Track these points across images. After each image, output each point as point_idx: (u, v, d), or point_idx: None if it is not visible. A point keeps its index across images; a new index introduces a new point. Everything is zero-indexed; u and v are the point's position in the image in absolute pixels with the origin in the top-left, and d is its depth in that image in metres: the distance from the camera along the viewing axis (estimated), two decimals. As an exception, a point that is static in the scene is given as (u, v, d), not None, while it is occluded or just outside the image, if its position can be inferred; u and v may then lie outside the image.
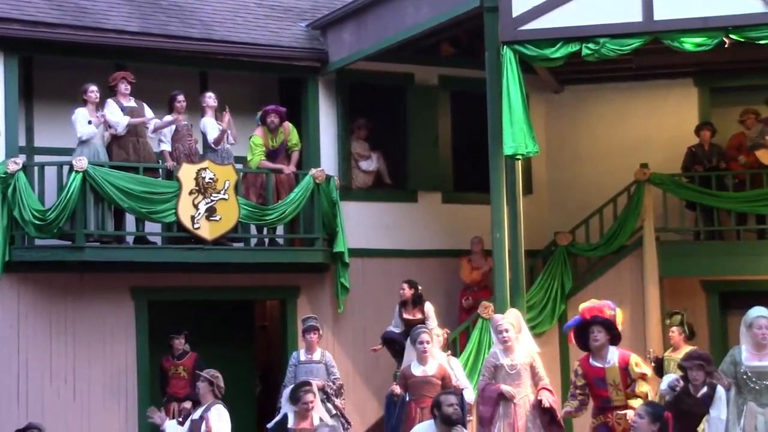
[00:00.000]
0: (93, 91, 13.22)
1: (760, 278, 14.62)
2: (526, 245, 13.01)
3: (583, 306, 10.28)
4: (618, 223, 14.82)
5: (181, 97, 13.74)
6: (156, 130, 13.68)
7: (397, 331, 13.32)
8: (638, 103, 16.21)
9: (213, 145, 13.77)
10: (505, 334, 10.53)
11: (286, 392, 10.79)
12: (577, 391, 10.12)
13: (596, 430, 10.00)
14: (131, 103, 13.53)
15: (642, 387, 9.82)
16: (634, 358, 10.02)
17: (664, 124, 15.97)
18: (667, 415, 8.37)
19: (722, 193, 14.60)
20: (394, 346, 13.19)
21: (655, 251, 14.46)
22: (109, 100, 13.33)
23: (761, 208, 14.47)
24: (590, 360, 10.03)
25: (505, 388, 10.33)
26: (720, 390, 9.05)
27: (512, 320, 10.72)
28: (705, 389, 9.24)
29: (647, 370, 10.10)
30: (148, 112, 13.62)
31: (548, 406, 10.20)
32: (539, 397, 10.31)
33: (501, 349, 10.57)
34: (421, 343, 10.78)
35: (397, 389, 10.76)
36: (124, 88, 13.48)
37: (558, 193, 16.20)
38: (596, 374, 9.96)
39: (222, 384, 10.41)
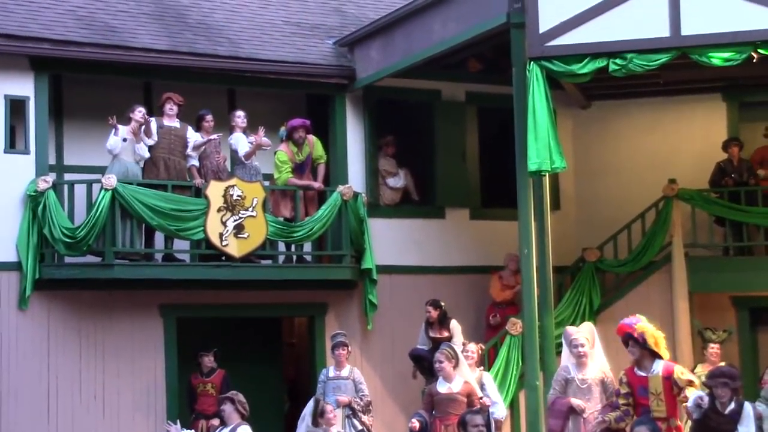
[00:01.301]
0: (141, 111, 13.28)
1: (791, 294, 14.56)
2: (554, 261, 12.98)
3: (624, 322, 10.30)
4: (646, 239, 14.77)
5: (209, 117, 13.82)
6: (196, 148, 13.74)
7: (425, 348, 13.31)
8: (666, 118, 16.16)
9: (243, 159, 13.80)
10: (581, 348, 10.49)
11: (306, 409, 10.80)
12: (621, 401, 10.10)
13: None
14: (175, 123, 13.63)
15: (690, 393, 9.80)
16: (679, 368, 10.09)
17: (693, 139, 15.91)
18: None
19: (751, 208, 14.52)
20: (423, 363, 13.18)
21: (684, 266, 14.40)
22: (152, 119, 13.42)
23: (790, 223, 14.41)
24: (635, 369, 10.09)
25: (575, 401, 10.31)
26: (747, 406, 9.00)
27: (587, 334, 10.67)
28: (732, 406, 9.15)
29: (694, 378, 10.10)
30: (191, 133, 13.70)
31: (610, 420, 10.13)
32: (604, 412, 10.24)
33: (574, 363, 10.51)
34: (435, 362, 10.82)
35: (416, 425, 10.76)
36: (169, 108, 13.59)
37: (586, 208, 16.16)
38: (640, 383, 10.01)
39: (245, 402, 10.43)
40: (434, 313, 13.40)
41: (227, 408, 10.42)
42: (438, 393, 10.86)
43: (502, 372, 13.10)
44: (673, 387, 9.89)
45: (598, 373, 10.45)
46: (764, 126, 15.41)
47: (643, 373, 10.03)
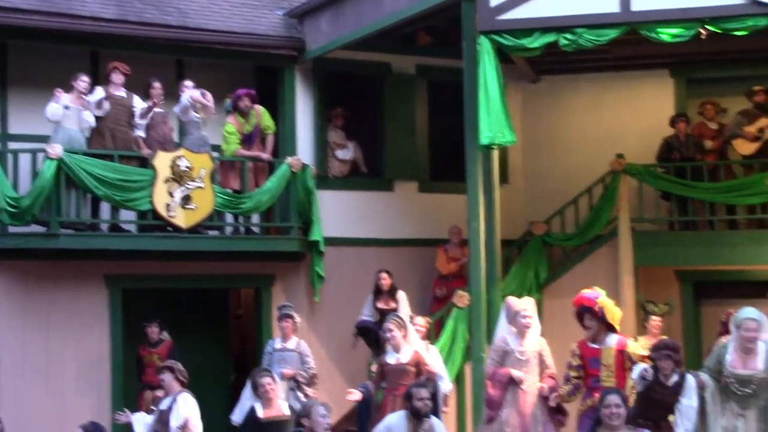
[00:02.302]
0: (84, 80, 13.15)
1: (734, 268, 14.74)
2: (502, 235, 13.08)
3: (581, 294, 10.47)
4: (593, 213, 14.88)
5: (157, 84, 13.69)
6: (142, 115, 13.62)
7: (372, 320, 13.34)
8: (615, 93, 16.25)
9: (190, 105, 13.69)
10: (528, 320, 10.52)
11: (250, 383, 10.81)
12: (572, 374, 10.27)
13: (585, 414, 10.04)
14: (121, 92, 13.49)
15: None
16: (633, 344, 10.37)
17: (640, 115, 16.01)
18: None
19: (697, 184, 14.65)
20: (369, 335, 13.21)
21: (629, 241, 14.51)
22: (98, 88, 13.27)
23: (734, 198, 14.54)
24: (587, 342, 10.27)
25: (515, 373, 10.34)
26: (689, 378, 9.10)
27: (530, 306, 10.73)
28: (675, 378, 9.26)
29: (644, 353, 10.26)
30: (138, 101, 13.57)
31: (547, 393, 10.22)
32: (543, 384, 10.33)
33: (513, 334, 10.54)
34: (384, 331, 10.84)
35: (356, 396, 10.81)
36: (115, 78, 13.45)
37: (534, 182, 16.24)
38: (592, 354, 10.18)
39: (184, 371, 10.42)
40: (389, 281, 13.44)
41: (166, 377, 10.40)
42: (387, 364, 10.88)
43: (449, 344, 13.14)
44: (625, 361, 10.09)
45: (537, 345, 10.51)
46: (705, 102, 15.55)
47: (596, 346, 10.19)
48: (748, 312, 9.14)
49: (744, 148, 14.87)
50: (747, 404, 8.99)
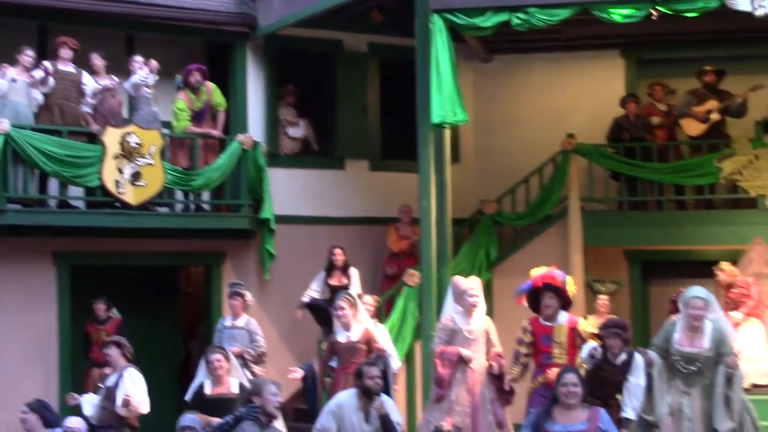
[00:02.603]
0: (29, 54, 12.98)
1: (682, 248, 14.88)
2: (453, 213, 13.10)
3: (535, 272, 10.52)
4: (544, 193, 14.95)
5: (100, 57, 13.53)
6: (94, 95, 13.47)
7: (322, 297, 13.33)
8: (566, 73, 16.31)
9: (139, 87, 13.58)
10: (476, 298, 10.53)
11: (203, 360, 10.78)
12: (522, 350, 10.34)
13: (536, 392, 10.11)
14: (70, 68, 13.33)
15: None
16: (583, 322, 10.54)
17: (591, 95, 16.09)
18: None
19: (646, 164, 14.75)
20: (320, 312, 13.21)
21: (579, 221, 14.60)
22: (41, 66, 13.10)
23: (683, 179, 14.67)
24: (539, 319, 10.35)
25: (464, 351, 10.37)
26: (637, 357, 9.20)
27: (476, 285, 10.75)
28: (623, 356, 9.36)
29: (594, 330, 10.40)
30: (87, 78, 13.42)
31: (498, 372, 10.27)
32: (491, 363, 10.37)
33: (461, 313, 10.56)
34: (335, 309, 10.83)
35: (298, 374, 10.83)
36: (64, 53, 13.28)
37: (486, 161, 16.27)
38: (545, 331, 10.28)
39: (130, 347, 10.37)
40: (343, 257, 13.45)
41: (112, 352, 10.35)
42: (338, 342, 10.88)
43: (399, 323, 13.15)
44: (576, 338, 10.20)
45: (484, 324, 10.54)
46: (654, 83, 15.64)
47: (548, 323, 10.27)
48: (696, 291, 9.24)
49: (692, 128, 14.98)
50: (692, 382, 9.10)
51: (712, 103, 14.91)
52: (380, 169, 15.64)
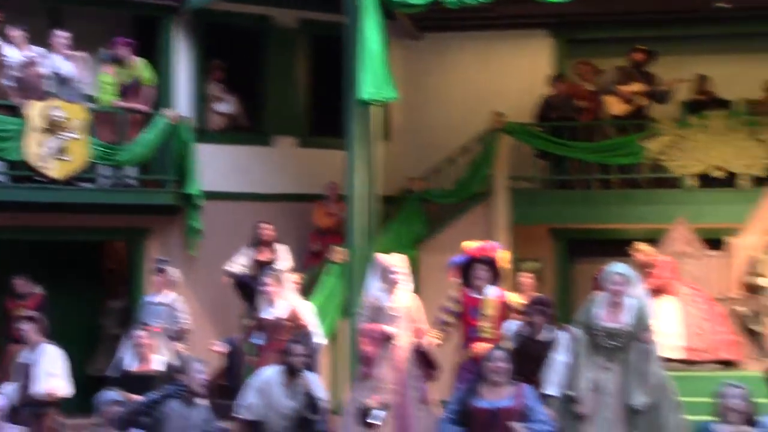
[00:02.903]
0: None
1: (606, 227, 15.05)
2: (382, 191, 13.11)
3: (469, 245, 10.57)
4: (471, 171, 15.01)
5: (15, 29, 13.31)
6: (19, 68, 13.26)
7: (249, 273, 13.29)
8: (496, 52, 16.36)
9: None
10: (398, 274, 10.55)
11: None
12: (446, 318, 10.38)
13: (463, 366, 10.16)
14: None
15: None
16: (511, 295, 10.64)
17: (520, 74, 16.16)
18: None
19: (572, 143, 14.88)
20: (246, 289, 13.16)
21: (506, 199, 14.70)
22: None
23: (608, 158, 14.82)
24: (468, 291, 10.40)
25: (388, 329, 10.38)
26: (561, 334, 9.29)
27: (401, 262, 10.76)
28: (548, 333, 9.45)
29: (522, 303, 10.56)
30: (9, 50, 13.18)
31: (423, 348, 10.31)
32: (416, 338, 10.41)
33: (385, 290, 10.57)
34: (261, 285, 10.81)
35: (220, 348, 10.79)
36: None
37: (414, 139, 16.28)
38: (473, 304, 10.33)
39: (45, 322, 10.26)
40: (271, 232, 13.40)
41: (26, 327, 10.23)
42: (264, 319, 10.86)
43: (324, 300, 13.15)
44: (506, 311, 10.29)
45: (408, 301, 10.57)
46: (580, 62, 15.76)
47: (477, 296, 10.32)
48: (616, 267, 9.36)
49: (615, 107, 15.15)
50: (613, 358, 9.21)
51: (638, 86, 15.06)
52: (308, 146, 15.60)
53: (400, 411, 10.21)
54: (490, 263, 10.46)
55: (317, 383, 9.48)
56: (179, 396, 8.52)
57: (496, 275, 10.53)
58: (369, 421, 9.66)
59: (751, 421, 7.44)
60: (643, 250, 13.09)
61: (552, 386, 9.20)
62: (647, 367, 9.14)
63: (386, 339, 10.33)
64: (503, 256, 10.63)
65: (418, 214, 14.82)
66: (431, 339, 10.39)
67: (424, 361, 10.37)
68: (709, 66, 15.53)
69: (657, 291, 12.69)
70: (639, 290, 9.45)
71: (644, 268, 12.81)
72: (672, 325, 12.54)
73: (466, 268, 10.54)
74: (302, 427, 9.23)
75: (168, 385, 8.74)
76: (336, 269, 13.29)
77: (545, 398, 9.10)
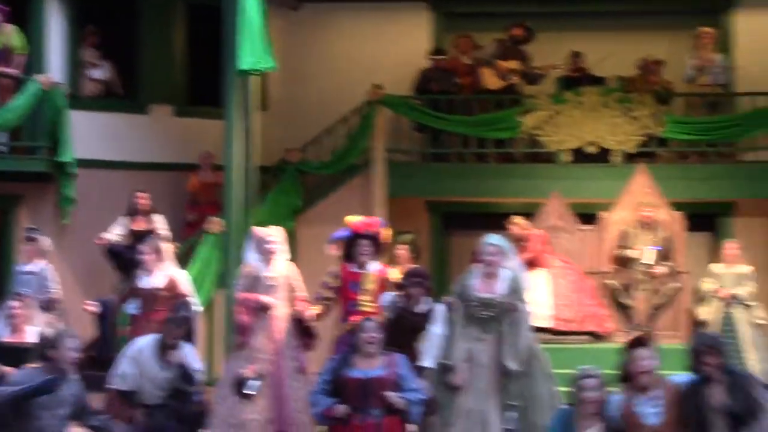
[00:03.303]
0: None
1: (483, 200, 15.23)
2: (258, 161, 13.02)
3: (353, 219, 10.54)
4: (349, 143, 15.01)
5: None
6: None
7: (124, 242, 13.12)
8: (375, 24, 16.35)
9: None
10: (273, 245, 10.49)
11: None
12: (325, 293, 10.38)
13: (341, 339, 10.16)
14: None
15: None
16: (392, 270, 10.62)
17: (399, 47, 16.17)
18: None
19: (450, 116, 14.98)
20: (120, 258, 12.98)
21: (383, 171, 14.74)
22: None
23: (485, 132, 14.97)
24: (348, 266, 10.40)
25: (264, 298, 10.32)
26: (438, 306, 9.36)
27: (277, 233, 10.69)
28: (424, 305, 9.50)
29: (400, 278, 10.52)
30: None
31: (301, 317, 10.29)
32: (295, 308, 10.38)
33: (262, 260, 10.51)
34: (139, 254, 10.68)
35: (94, 308, 10.64)
36: None
37: (292, 110, 16.19)
38: (353, 278, 10.33)
39: None
40: (147, 202, 13.22)
41: None
42: (141, 288, 10.73)
43: (200, 270, 13.06)
44: (385, 286, 10.30)
45: (286, 271, 10.55)
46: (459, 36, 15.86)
47: (357, 270, 10.34)
48: (491, 238, 9.46)
49: (491, 82, 15.30)
50: (488, 328, 9.31)
51: (513, 64, 15.23)
52: (185, 115, 15.39)
53: (275, 381, 10.20)
54: (373, 239, 10.47)
55: (192, 354, 9.41)
56: (50, 388, 8.12)
57: (377, 250, 10.56)
58: (244, 391, 9.63)
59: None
60: (518, 223, 13.28)
61: (428, 357, 9.27)
62: (520, 336, 9.28)
63: (262, 309, 10.30)
64: (386, 232, 10.64)
65: (295, 185, 14.77)
66: (309, 309, 10.39)
67: (301, 330, 10.37)
68: (584, 43, 15.76)
69: (530, 263, 12.89)
70: (513, 262, 9.57)
71: (518, 241, 12.99)
72: (542, 296, 12.76)
73: (349, 243, 10.53)
74: (176, 397, 9.15)
75: (37, 367, 8.33)
76: (212, 239, 13.20)
77: (421, 369, 9.18)
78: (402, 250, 13.13)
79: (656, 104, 14.77)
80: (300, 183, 14.87)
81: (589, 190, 14.55)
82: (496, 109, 15.13)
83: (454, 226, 15.65)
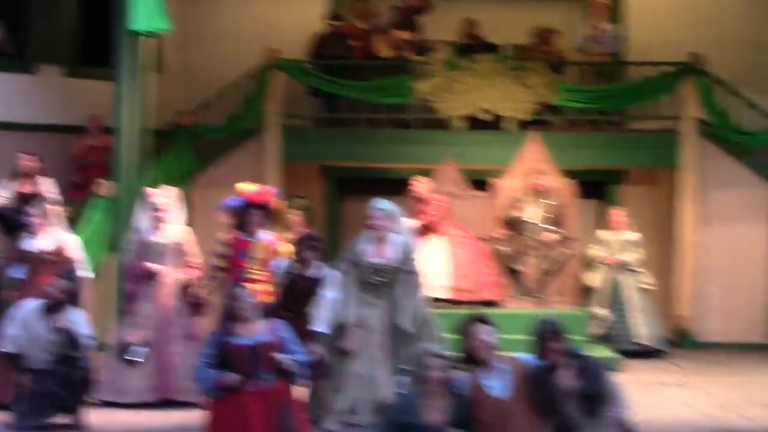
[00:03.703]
0: None
1: (376, 166, 15.27)
2: (151, 124, 12.85)
3: (246, 188, 10.40)
4: (243, 106, 14.89)
5: None
6: None
7: (10, 205, 12.85)
8: (271, -13, 16.24)
9: None
10: (162, 209, 10.35)
11: None
12: (217, 264, 10.27)
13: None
14: None
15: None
16: (284, 243, 10.47)
17: (296, 10, 16.06)
18: None
19: (344, 81, 14.95)
20: (5, 221, 12.71)
21: (277, 136, 14.68)
22: None
23: (379, 97, 14.98)
24: (239, 234, 10.27)
25: (151, 265, 10.20)
26: (330, 271, 9.35)
27: (169, 196, 10.54)
28: (316, 270, 9.46)
29: (290, 248, 10.48)
30: None
31: (191, 283, 10.18)
32: (185, 274, 10.26)
33: (152, 225, 10.37)
34: (28, 216, 10.50)
35: None
36: None
37: (187, 73, 15.97)
38: (243, 247, 10.20)
39: None
40: (33, 164, 12.95)
41: None
42: (27, 252, 10.53)
43: (90, 234, 12.87)
44: (274, 255, 10.21)
45: (178, 236, 10.45)
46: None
47: (247, 238, 10.23)
48: (379, 203, 9.48)
49: (383, 49, 15.29)
50: (380, 293, 9.35)
51: (407, 34, 15.24)
52: (75, 76, 15.09)
53: (161, 348, 10.11)
54: (265, 208, 10.37)
55: (81, 319, 9.29)
56: None
57: (269, 220, 10.46)
58: (129, 358, 9.51)
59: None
60: (422, 182, 13.26)
61: (320, 323, 9.26)
62: (412, 301, 9.33)
63: (149, 275, 10.19)
64: (278, 202, 10.56)
65: (188, 149, 14.62)
66: (199, 275, 10.30)
67: (191, 296, 10.29)
68: (480, 11, 15.82)
69: (427, 229, 12.96)
70: (403, 226, 9.60)
71: (419, 203, 13.04)
72: (439, 265, 12.80)
73: (240, 212, 10.39)
74: (63, 362, 9.06)
75: None
76: (102, 203, 13.02)
77: (314, 335, 9.17)
78: (295, 216, 13.12)
79: (549, 73, 14.91)
80: (193, 147, 14.70)
81: (482, 157, 14.66)
82: (391, 75, 15.13)
83: (348, 192, 15.66)
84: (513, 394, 7.09)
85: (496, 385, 7.11)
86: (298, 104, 15.10)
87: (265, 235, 10.37)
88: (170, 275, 10.27)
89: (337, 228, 15.52)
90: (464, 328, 7.24)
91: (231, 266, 10.31)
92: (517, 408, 7.10)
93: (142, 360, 9.55)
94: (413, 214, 12.85)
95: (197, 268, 10.40)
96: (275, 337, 7.84)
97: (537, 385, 7.05)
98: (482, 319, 7.31)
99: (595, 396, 6.91)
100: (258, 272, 10.19)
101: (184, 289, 10.29)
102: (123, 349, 9.49)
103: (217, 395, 7.71)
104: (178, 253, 10.38)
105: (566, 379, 7.01)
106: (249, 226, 10.31)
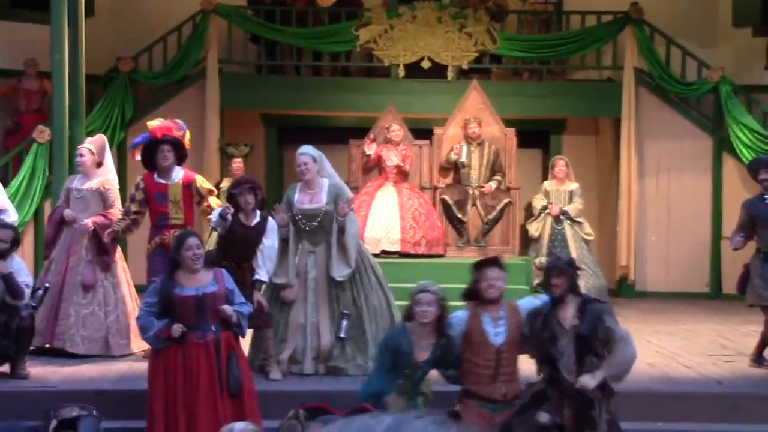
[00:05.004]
0: None
1: (317, 114, 15.18)
2: (88, 70, 12.60)
3: (152, 124, 10.07)
4: (182, 52, 14.67)
5: None
6: None
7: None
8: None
9: None
10: (79, 158, 10.16)
11: None
12: (132, 207, 10.02)
13: (154, 253, 9.89)
14: None
15: (213, 201, 9.97)
16: (200, 177, 10.18)
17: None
18: None
19: (285, 28, 14.80)
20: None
21: (217, 83, 14.49)
22: None
23: (321, 45, 14.85)
24: (154, 176, 9.97)
25: (66, 212, 10.03)
26: (271, 219, 9.23)
27: (94, 146, 10.32)
28: (257, 218, 9.27)
29: (212, 187, 10.33)
30: None
31: (98, 229, 10.00)
32: (94, 221, 10.06)
33: (83, 172, 10.19)
34: None
35: None
36: None
37: (123, 17, 15.68)
38: (158, 189, 9.91)
39: None
40: None
41: None
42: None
43: (27, 181, 12.69)
44: (193, 195, 9.97)
45: (99, 184, 10.24)
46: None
47: (162, 181, 9.94)
48: (304, 149, 9.41)
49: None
50: (317, 240, 9.31)
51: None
52: (8, 19, 14.72)
53: (55, 294, 9.95)
54: (175, 143, 9.95)
55: (21, 267, 9.15)
56: None
57: (182, 157, 10.05)
58: (25, 301, 9.26)
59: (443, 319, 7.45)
60: (399, 127, 13.11)
61: (263, 272, 9.17)
62: (347, 244, 9.28)
63: (63, 221, 10.05)
64: (186, 135, 10.21)
65: (125, 95, 14.36)
66: (111, 223, 10.06)
67: (99, 246, 10.09)
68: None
69: (385, 178, 12.84)
70: (329, 169, 9.53)
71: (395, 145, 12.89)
72: (392, 219, 12.69)
73: (149, 149, 9.96)
74: (3, 310, 8.92)
75: None
76: (40, 149, 12.80)
77: (256, 284, 9.09)
78: (236, 163, 13.01)
79: (490, 21, 14.85)
80: (131, 93, 14.46)
81: (424, 105, 14.61)
82: (332, 22, 14.99)
83: (290, 140, 15.52)
84: (509, 340, 7.06)
85: (494, 330, 7.08)
86: (239, 51, 14.91)
87: (180, 175, 9.97)
88: (84, 222, 10.06)
89: (278, 176, 15.41)
90: (478, 269, 7.15)
91: (151, 212, 10.02)
92: (508, 356, 7.08)
93: (35, 304, 9.37)
94: (356, 162, 12.77)
95: (108, 216, 10.12)
96: (221, 287, 7.73)
97: (536, 318, 7.03)
98: (497, 263, 7.22)
99: (588, 339, 6.89)
100: (179, 216, 9.91)
101: (95, 236, 10.08)
102: (31, 293, 9.33)
103: (161, 345, 7.60)
104: (99, 200, 10.19)
105: (569, 316, 6.99)
106: (161, 162, 9.90)
